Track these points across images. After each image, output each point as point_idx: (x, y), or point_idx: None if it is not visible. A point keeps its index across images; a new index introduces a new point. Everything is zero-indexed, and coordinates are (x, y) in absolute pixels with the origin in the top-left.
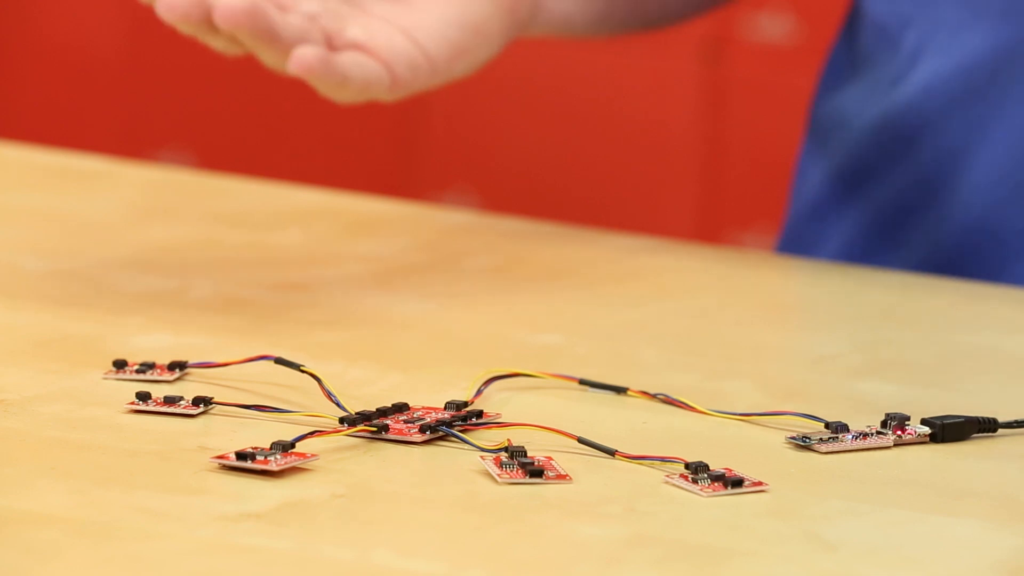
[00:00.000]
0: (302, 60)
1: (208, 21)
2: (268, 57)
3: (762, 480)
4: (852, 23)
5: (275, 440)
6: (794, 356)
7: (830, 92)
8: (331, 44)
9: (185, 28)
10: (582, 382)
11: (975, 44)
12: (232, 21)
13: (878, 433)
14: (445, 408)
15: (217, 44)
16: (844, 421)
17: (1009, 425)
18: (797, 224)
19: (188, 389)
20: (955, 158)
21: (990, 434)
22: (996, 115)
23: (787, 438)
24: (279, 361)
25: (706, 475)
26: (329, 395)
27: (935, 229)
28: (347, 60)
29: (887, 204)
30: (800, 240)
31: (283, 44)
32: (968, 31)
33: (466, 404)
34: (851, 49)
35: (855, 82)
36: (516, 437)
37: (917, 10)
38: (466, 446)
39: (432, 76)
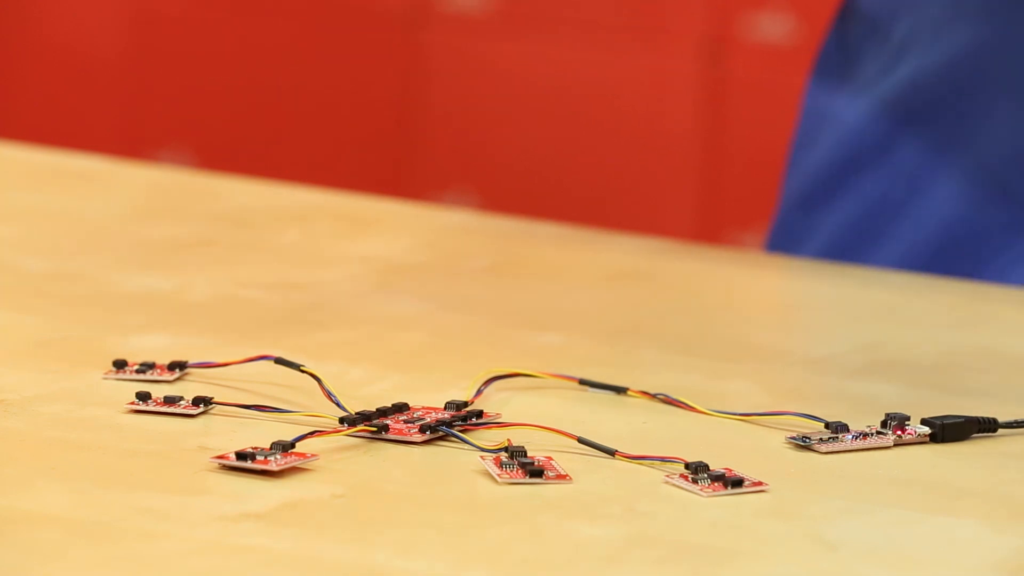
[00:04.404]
0: None
1: None
2: None
3: (762, 480)
4: (844, 17)
5: (275, 440)
6: (794, 356)
7: (821, 86)
8: None
9: None
10: (582, 382)
11: (957, 40)
12: None
13: (878, 433)
14: (445, 408)
15: None
16: (844, 421)
17: (1009, 425)
18: (788, 216)
19: (188, 389)
20: (941, 152)
21: (990, 434)
22: (979, 111)
23: (787, 438)
24: (279, 361)
25: (706, 475)
26: (329, 395)
27: (917, 225)
28: None
29: (872, 198)
30: (790, 234)
31: None
32: (950, 27)
33: (466, 404)
34: (842, 43)
35: (845, 76)
36: (516, 437)
37: (903, 4)
38: (466, 446)
39: None
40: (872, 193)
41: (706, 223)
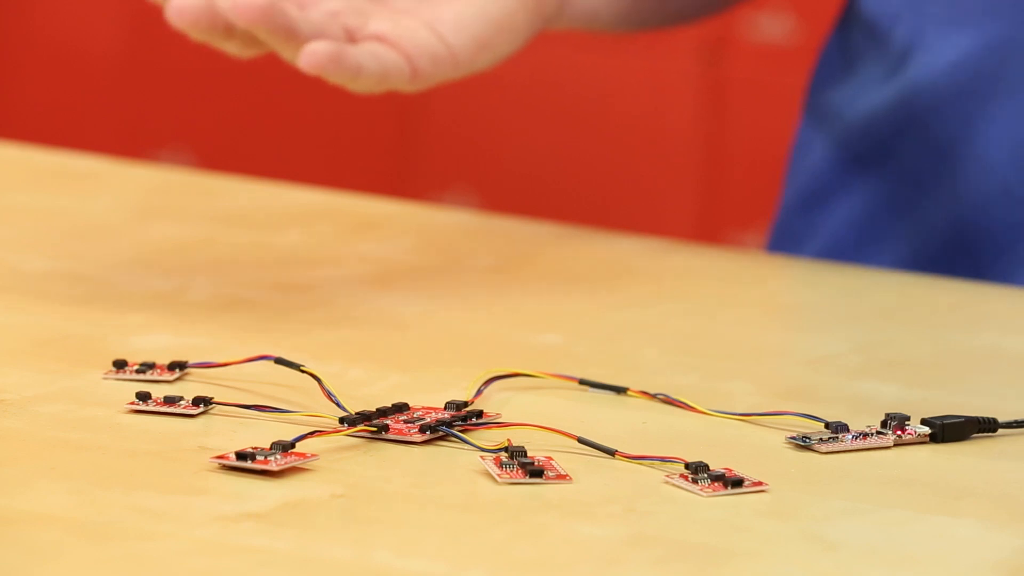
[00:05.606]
0: (313, 58)
1: (219, 26)
2: (287, 53)
3: (762, 480)
4: (845, 20)
5: (275, 440)
6: (794, 356)
7: (822, 88)
8: (351, 38)
9: (196, 35)
10: (582, 382)
11: (962, 43)
12: (249, 18)
13: (878, 433)
14: (445, 408)
15: (231, 48)
16: (844, 421)
17: (1009, 425)
18: (789, 215)
19: (188, 389)
20: (944, 155)
21: (990, 434)
22: (983, 114)
23: (787, 438)
24: (279, 361)
25: (706, 475)
26: (329, 395)
27: (919, 227)
28: (363, 52)
29: (871, 204)
30: (792, 233)
31: (301, 40)
32: (954, 30)
33: (466, 404)
34: (843, 46)
35: (846, 78)
36: (516, 437)
37: (906, 7)
38: (466, 446)
39: (454, 69)
40: (870, 201)
41: (706, 223)
